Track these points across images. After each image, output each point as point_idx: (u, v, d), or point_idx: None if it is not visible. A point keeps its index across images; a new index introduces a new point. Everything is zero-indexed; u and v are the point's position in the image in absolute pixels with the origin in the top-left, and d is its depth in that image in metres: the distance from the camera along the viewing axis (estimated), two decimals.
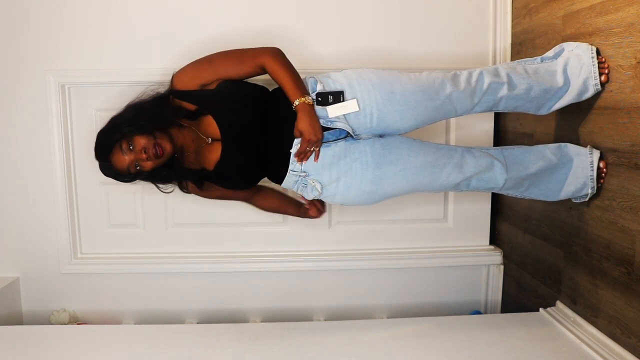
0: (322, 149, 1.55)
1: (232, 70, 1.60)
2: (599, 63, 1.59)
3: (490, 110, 1.67)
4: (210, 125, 1.56)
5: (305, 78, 1.59)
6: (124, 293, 2.32)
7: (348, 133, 1.57)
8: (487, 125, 2.30)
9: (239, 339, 1.75)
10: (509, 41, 2.21)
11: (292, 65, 1.58)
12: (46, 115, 2.17)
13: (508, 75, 1.62)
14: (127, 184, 1.68)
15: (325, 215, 2.31)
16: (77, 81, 2.18)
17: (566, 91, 1.64)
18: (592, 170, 1.63)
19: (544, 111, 1.70)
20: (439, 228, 2.37)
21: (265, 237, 2.34)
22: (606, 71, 1.59)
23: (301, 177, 1.57)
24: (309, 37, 2.18)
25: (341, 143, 1.57)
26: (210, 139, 1.58)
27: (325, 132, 1.53)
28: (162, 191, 1.70)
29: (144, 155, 1.52)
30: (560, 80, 1.64)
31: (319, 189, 1.59)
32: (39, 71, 2.15)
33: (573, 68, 1.63)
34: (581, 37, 1.70)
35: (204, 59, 1.63)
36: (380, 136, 1.62)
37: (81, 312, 2.32)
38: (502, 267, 2.35)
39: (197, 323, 2.30)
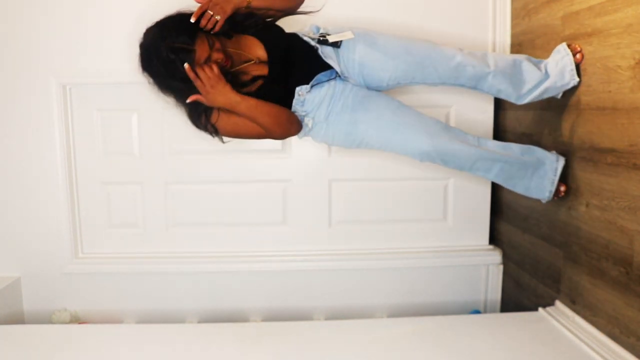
0: (316, 88, 1.70)
1: None
2: (571, 49, 1.70)
3: (474, 89, 1.77)
4: (255, 47, 1.68)
5: (311, 25, 1.78)
6: (125, 292, 2.33)
7: (337, 74, 1.73)
8: (486, 125, 2.30)
9: (239, 338, 1.76)
10: (509, 42, 2.22)
11: None
12: (47, 116, 2.18)
13: (494, 59, 1.74)
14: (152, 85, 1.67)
15: (325, 215, 2.34)
16: (77, 81, 2.19)
17: (544, 82, 1.75)
18: (555, 176, 1.77)
19: (522, 99, 1.79)
20: (438, 227, 2.37)
21: (265, 237, 2.34)
22: (578, 49, 1.69)
23: (302, 116, 1.73)
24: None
25: (332, 83, 1.73)
26: (258, 59, 1.66)
27: (319, 74, 1.70)
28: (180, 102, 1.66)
29: (220, 56, 1.55)
30: (542, 70, 1.76)
31: (310, 126, 1.74)
32: (40, 72, 2.15)
33: (551, 66, 1.75)
34: (580, 38, 1.70)
35: None
36: (368, 89, 1.78)
37: (82, 312, 2.33)
38: (501, 266, 2.35)
39: (198, 322, 2.31)
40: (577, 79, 1.71)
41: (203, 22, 1.54)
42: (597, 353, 1.57)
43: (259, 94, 1.66)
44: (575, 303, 1.79)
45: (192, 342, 1.75)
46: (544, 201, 1.83)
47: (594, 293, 1.69)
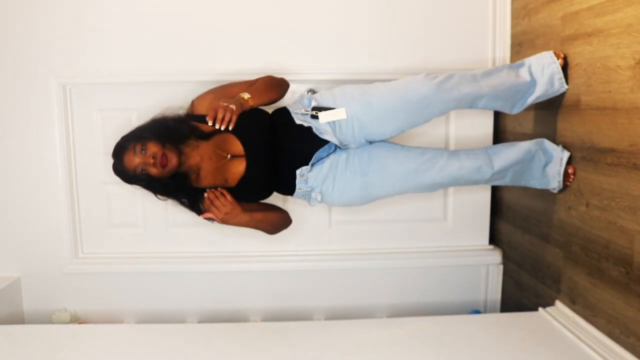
0: (318, 165, 1.75)
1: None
2: (557, 57, 1.76)
3: (471, 107, 1.80)
4: (230, 143, 1.73)
5: (302, 95, 1.83)
6: (125, 292, 2.33)
7: (337, 146, 1.76)
8: (486, 125, 2.30)
9: (239, 338, 1.76)
10: (509, 42, 2.22)
11: (274, 85, 1.80)
12: (47, 116, 2.18)
13: (486, 80, 1.76)
14: (130, 185, 1.80)
15: (325, 215, 2.35)
16: (77, 82, 2.19)
17: (534, 88, 1.79)
18: (561, 166, 1.79)
19: (516, 110, 1.85)
20: (438, 227, 2.37)
21: (265, 237, 2.33)
22: (562, 55, 1.76)
23: (307, 191, 1.77)
24: (314, 46, 2.20)
25: (333, 156, 1.77)
26: (230, 155, 1.73)
27: (318, 151, 1.74)
28: (157, 198, 1.83)
29: (151, 160, 1.65)
30: (527, 77, 1.79)
31: (319, 199, 1.79)
32: (40, 72, 2.15)
33: (536, 68, 1.79)
34: (580, 38, 1.70)
35: (220, 86, 1.82)
36: (371, 142, 1.80)
37: (82, 312, 2.33)
38: (501, 266, 2.35)
39: (198, 322, 2.31)
40: (566, 87, 1.76)
41: (217, 124, 1.60)
42: (597, 353, 1.57)
43: (241, 187, 1.73)
44: (575, 303, 1.79)
45: (192, 342, 1.75)
46: (555, 191, 1.85)
47: (594, 293, 1.69)
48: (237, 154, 1.73)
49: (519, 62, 1.86)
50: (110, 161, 1.78)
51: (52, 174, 2.22)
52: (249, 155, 1.72)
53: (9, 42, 2.15)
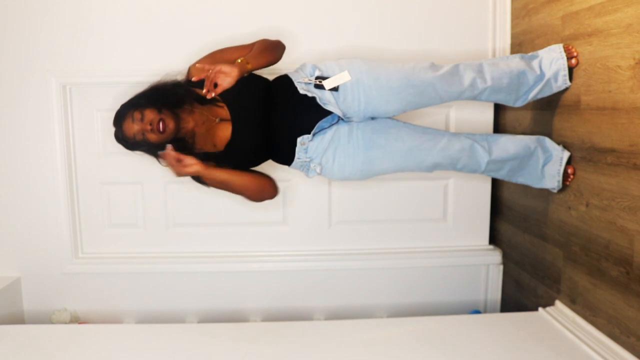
0: (320, 135, 1.72)
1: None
2: (567, 53, 1.75)
3: (474, 99, 1.80)
4: (221, 107, 1.72)
5: (305, 64, 1.76)
6: (124, 292, 2.33)
7: (339, 118, 1.74)
8: (486, 125, 2.30)
9: (239, 338, 1.76)
10: (509, 42, 2.22)
11: (270, 47, 1.75)
12: (47, 116, 2.18)
13: (490, 71, 1.75)
14: (132, 152, 1.76)
15: (325, 215, 2.35)
16: (78, 82, 2.19)
17: (540, 81, 1.78)
18: (561, 165, 1.80)
19: (519, 103, 1.84)
20: (438, 228, 2.37)
21: (265, 237, 2.34)
22: (575, 53, 1.73)
23: (306, 162, 1.75)
24: (310, 39, 2.19)
25: (335, 127, 1.74)
26: (219, 118, 1.71)
27: (320, 121, 1.70)
28: (161, 164, 1.75)
29: (148, 127, 1.65)
30: (537, 70, 1.78)
31: (319, 171, 1.76)
32: (40, 72, 2.16)
33: (545, 63, 1.79)
34: (580, 38, 1.70)
35: (216, 50, 1.79)
36: (373, 119, 1.78)
37: (82, 312, 2.33)
38: (501, 266, 2.35)
39: (198, 322, 2.31)
40: (569, 83, 1.76)
41: (205, 92, 1.60)
42: (597, 353, 1.57)
43: (229, 151, 1.71)
44: (575, 303, 1.79)
45: (192, 342, 1.75)
46: (554, 191, 1.85)
47: (594, 293, 1.69)
48: (225, 118, 1.72)
49: (532, 53, 1.83)
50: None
51: (52, 174, 2.22)
52: (235, 120, 1.70)
53: (9, 42, 2.15)
